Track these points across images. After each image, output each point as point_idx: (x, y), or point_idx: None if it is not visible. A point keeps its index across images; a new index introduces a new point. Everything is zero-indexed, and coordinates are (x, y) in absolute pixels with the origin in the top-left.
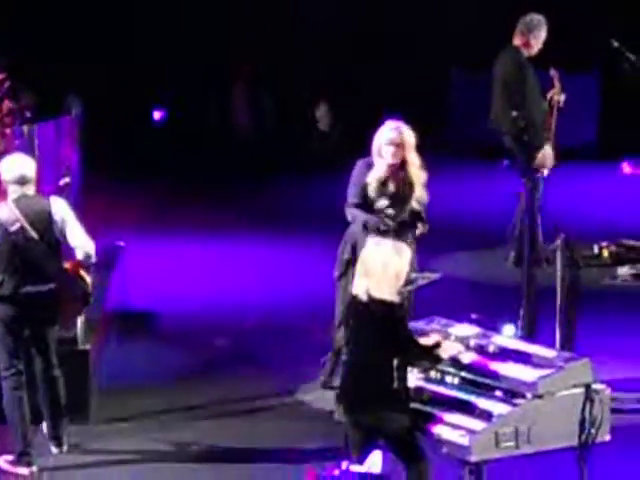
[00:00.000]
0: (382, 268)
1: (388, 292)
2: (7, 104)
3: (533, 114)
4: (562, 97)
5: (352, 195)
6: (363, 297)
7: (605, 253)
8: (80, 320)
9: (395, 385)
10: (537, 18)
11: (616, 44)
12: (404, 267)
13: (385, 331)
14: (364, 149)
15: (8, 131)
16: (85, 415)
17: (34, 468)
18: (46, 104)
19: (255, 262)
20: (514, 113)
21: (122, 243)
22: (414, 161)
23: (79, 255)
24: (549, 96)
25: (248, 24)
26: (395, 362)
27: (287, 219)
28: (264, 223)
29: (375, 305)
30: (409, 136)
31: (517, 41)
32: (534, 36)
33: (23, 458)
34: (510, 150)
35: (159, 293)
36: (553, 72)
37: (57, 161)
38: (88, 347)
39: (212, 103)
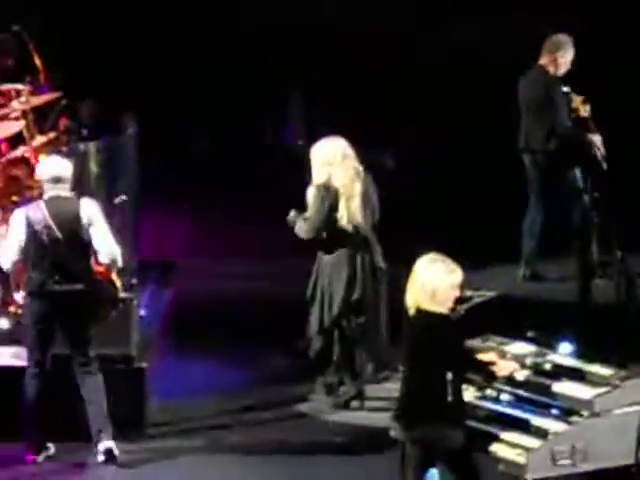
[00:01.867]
0: (421, 283)
1: (438, 307)
2: (64, 121)
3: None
4: (587, 107)
5: None
6: (415, 311)
7: None
8: (135, 337)
9: (450, 399)
10: (564, 38)
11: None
12: (443, 287)
13: (439, 344)
14: None
15: (64, 149)
16: (141, 432)
17: (39, 458)
18: (103, 122)
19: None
20: (545, 132)
21: (176, 261)
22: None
23: (103, 259)
24: (574, 108)
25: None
26: (449, 376)
27: None
28: None
29: (428, 319)
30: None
31: (543, 60)
32: (561, 55)
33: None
34: (544, 170)
35: (212, 310)
36: (566, 88)
37: (113, 179)
38: (144, 365)
39: (267, 121)
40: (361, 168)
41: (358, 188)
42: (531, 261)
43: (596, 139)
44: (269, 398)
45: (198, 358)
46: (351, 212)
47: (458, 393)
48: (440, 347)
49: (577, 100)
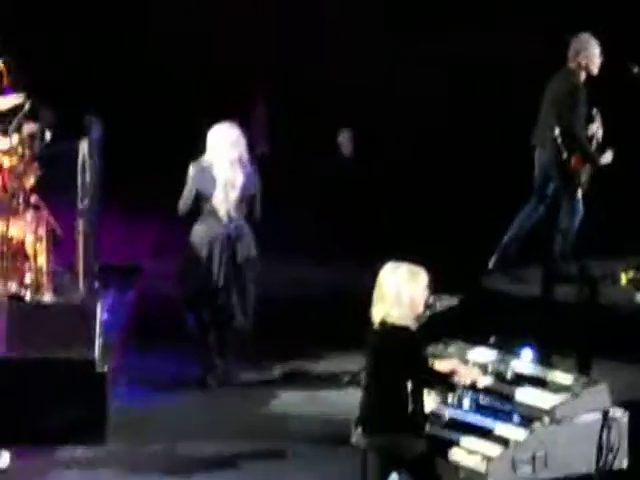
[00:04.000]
0: (395, 295)
1: (404, 319)
2: (28, 126)
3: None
4: (600, 132)
5: None
6: (379, 323)
7: (624, 278)
8: (97, 342)
9: (410, 409)
10: (584, 37)
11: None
12: (419, 293)
13: (401, 357)
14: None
15: (28, 152)
16: (102, 437)
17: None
18: (65, 125)
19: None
20: (557, 132)
21: (139, 264)
22: None
23: None
24: (591, 130)
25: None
26: (410, 386)
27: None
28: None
29: (391, 331)
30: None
31: (571, 63)
32: (585, 56)
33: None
34: (545, 166)
35: (175, 313)
36: (595, 110)
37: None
38: (105, 369)
39: None
40: (247, 159)
41: (239, 179)
42: (505, 254)
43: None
44: (233, 398)
45: (160, 361)
46: (228, 200)
47: (419, 402)
48: (403, 360)
49: (598, 122)
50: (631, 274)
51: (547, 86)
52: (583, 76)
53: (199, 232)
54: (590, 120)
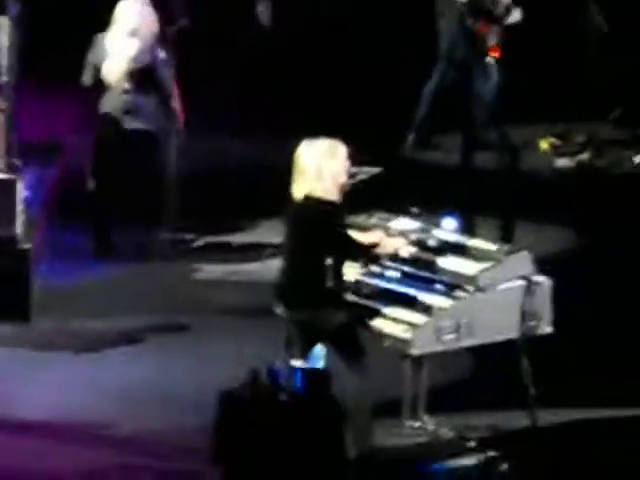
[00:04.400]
0: (316, 171)
1: (328, 193)
2: None
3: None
4: None
5: None
6: (301, 198)
7: (543, 144)
8: (19, 218)
9: (329, 284)
10: None
11: None
12: (339, 166)
13: (321, 231)
14: None
15: None
16: (25, 314)
17: None
18: None
19: None
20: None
21: (61, 141)
22: None
23: None
24: None
25: None
26: (329, 261)
27: None
28: None
29: (312, 205)
30: None
31: None
32: None
33: None
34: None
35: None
36: None
37: None
38: (28, 246)
39: None
40: (149, 32)
41: (131, 50)
42: (422, 128)
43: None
44: (155, 272)
45: (83, 236)
46: (116, 70)
47: (338, 277)
48: (323, 234)
49: None
50: (550, 140)
51: None
52: None
53: (101, 106)
54: None
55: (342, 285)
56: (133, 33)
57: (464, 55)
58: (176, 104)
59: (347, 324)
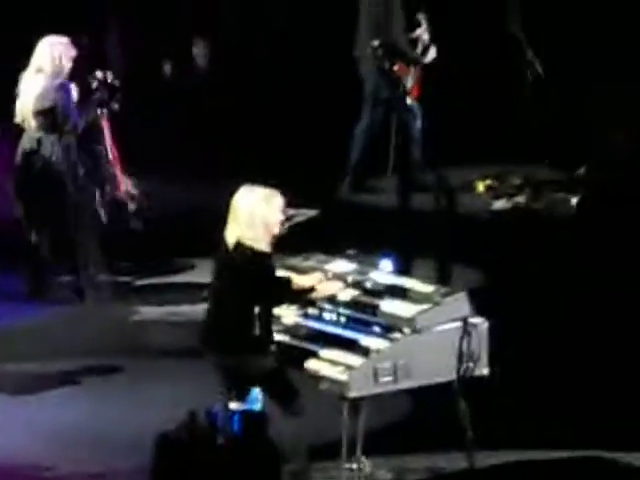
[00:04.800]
0: (249, 217)
1: (258, 241)
2: None
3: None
4: (426, 35)
5: None
6: (232, 243)
7: (480, 187)
8: None
9: (256, 332)
10: None
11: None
12: (273, 217)
13: (250, 280)
14: None
15: None
16: None
17: None
18: None
19: None
20: (376, 42)
21: None
22: None
23: None
24: (416, 34)
25: None
26: (257, 309)
27: None
28: None
29: (242, 253)
30: None
31: None
32: None
33: None
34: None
35: None
36: (422, 15)
37: None
38: None
39: None
40: (59, 70)
41: (36, 89)
42: (358, 170)
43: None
44: (91, 313)
45: (16, 277)
46: (23, 109)
47: (266, 325)
48: (252, 283)
49: (424, 26)
50: (487, 182)
51: None
52: None
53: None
54: (415, 24)
55: (271, 331)
56: (39, 71)
57: (388, 96)
58: (106, 145)
59: (276, 370)
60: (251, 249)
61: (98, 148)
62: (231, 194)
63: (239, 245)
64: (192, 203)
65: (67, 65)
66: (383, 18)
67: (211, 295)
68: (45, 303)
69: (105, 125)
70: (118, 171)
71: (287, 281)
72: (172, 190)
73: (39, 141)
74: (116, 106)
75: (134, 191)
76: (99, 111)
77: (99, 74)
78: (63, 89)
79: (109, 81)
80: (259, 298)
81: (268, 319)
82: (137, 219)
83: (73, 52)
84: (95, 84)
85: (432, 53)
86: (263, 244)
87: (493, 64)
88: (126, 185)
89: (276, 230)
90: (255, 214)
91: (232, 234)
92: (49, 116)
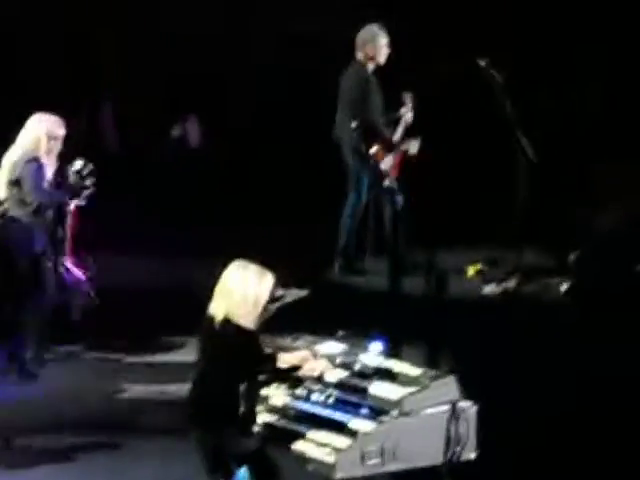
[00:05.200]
0: (241, 295)
1: (246, 318)
2: None
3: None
4: (409, 115)
5: None
6: (218, 319)
7: (471, 270)
8: None
9: (241, 410)
10: (371, 28)
11: (483, 63)
12: (263, 294)
13: (236, 359)
14: None
15: None
16: None
17: None
18: None
19: None
20: (353, 124)
21: None
22: None
23: None
24: (400, 113)
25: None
26: (242, 387)
27: None
28: None
29: (230, 329)
30: None
31: (359, 55)
32: (373, 46)
33: None
34: (350, 162)
35: None
36: (407, 95)
37: None
38: None
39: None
40: (35, 152)
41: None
42: (346, 254)
43: (413, 144)
44: (77, 391)
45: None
46: None
47: (251, 404)
48: (239, 361)
49: (409, 105)
50: (478, 267)
51: (340, 81)
52: (371, 67)
53: None
54: (398, 104)
55: (254, 411)
56: (19, 144)
57: (370, 180)
58: (66, 228)
59: (257, 450)
60: (238, 327)
61: (59, 229)
62: (211, 270)
63: (227, 321)
64: (172, 280)
65: (52, 143)
66: (358, 102)
67: (196, 371)
68: (32, 381)
69: (71, 211)
70: (72, 256)
71: (273, 358)
72: (150, 267)
73: (4, 213)
74: (84, 201)
75: (84, 276)
76: (67, 198)
77: (78, 164)
78: (33, 164)
79: (84, 174)
80: (245, 375)
81: (253, 398)
82: (79, 310)
83: (61, 131)
84: (71, 173)
85: (415, 146)
86: (250, 321)
87: (487, 151)
88: (79, 269)
89: (262, 310)
90: (248, 292)
91: (220, 309)
92: (14, 188)
